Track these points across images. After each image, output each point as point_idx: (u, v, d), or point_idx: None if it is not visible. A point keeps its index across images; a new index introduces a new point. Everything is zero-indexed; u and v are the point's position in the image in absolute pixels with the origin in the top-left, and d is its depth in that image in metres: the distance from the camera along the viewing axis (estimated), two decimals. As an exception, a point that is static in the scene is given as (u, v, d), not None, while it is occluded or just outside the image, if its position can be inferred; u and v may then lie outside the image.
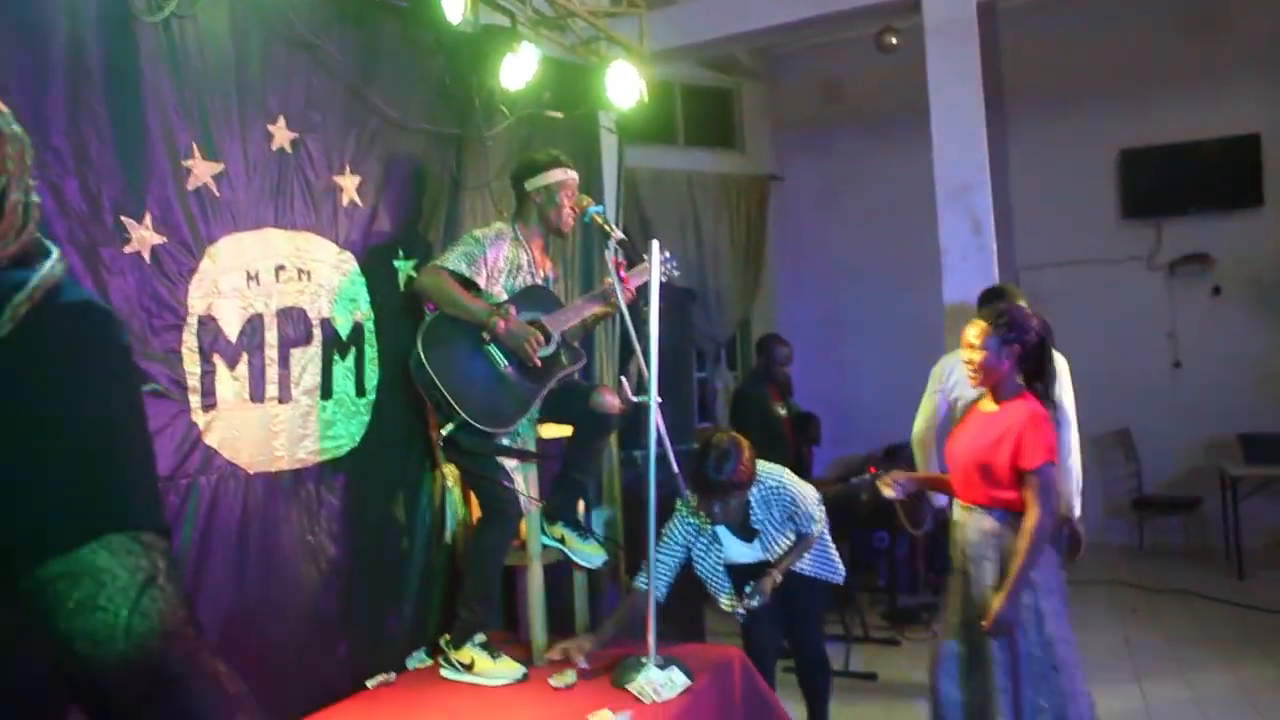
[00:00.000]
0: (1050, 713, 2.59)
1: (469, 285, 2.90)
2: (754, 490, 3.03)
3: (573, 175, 3.08)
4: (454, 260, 2.89)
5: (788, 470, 3.18)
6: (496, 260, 2.95)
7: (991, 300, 3.66)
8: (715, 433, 3.06)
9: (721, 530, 3.10)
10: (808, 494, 3.14)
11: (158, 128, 2.31)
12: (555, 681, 2.74)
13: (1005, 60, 7.31)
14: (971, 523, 2.76)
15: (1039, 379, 2.72)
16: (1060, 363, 3.61)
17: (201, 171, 2.43)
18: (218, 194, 2.47)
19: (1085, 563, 6.73)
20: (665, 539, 3.06)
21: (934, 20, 4.30)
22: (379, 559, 2.98)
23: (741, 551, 3.15)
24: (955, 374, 3.81)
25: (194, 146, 2.41)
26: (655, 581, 2.91)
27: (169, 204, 2.34)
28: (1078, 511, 3.61)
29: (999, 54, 7.21)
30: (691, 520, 3.07)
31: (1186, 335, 7.11)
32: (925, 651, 3.13)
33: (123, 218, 2.22)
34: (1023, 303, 3.57)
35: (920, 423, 3.97)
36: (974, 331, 2.71)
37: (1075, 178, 7.37)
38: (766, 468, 3.09)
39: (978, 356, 2.68)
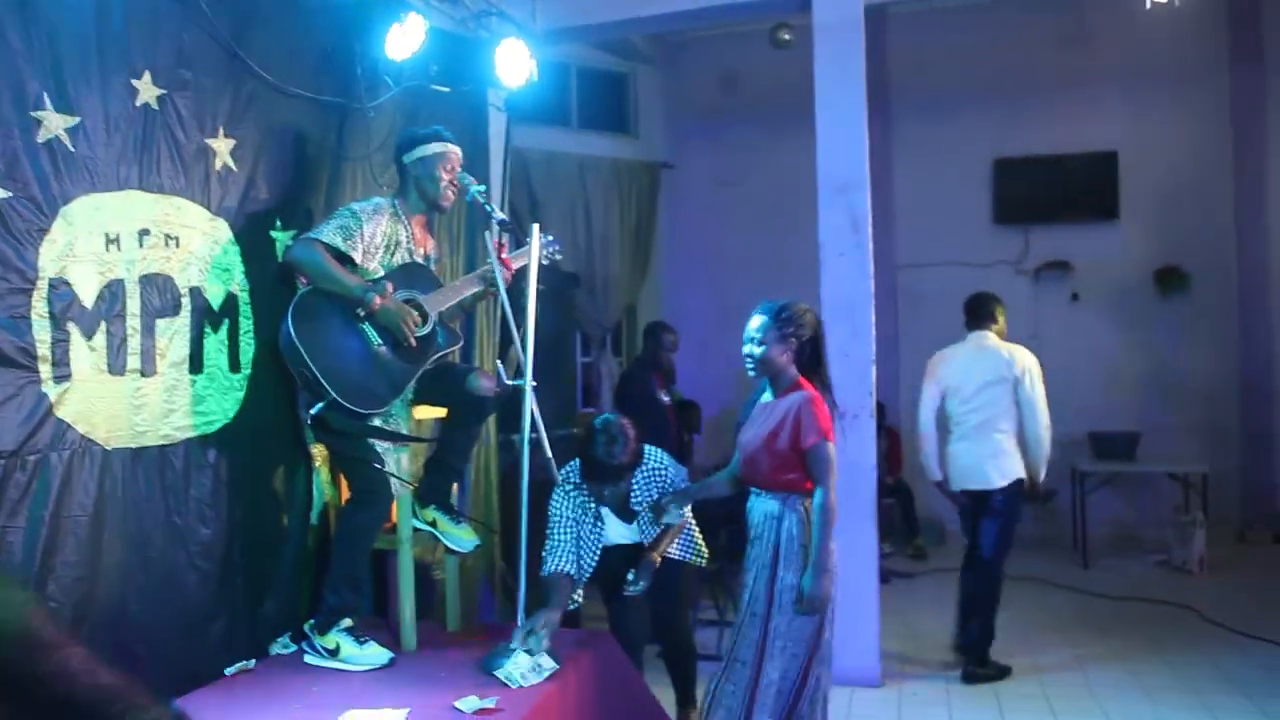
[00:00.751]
0: (775, 685, 2.69)
1: (344, 260, 2.81)
2: (637, 472, 3.12)
3: (453, 149, 3.01)
4: (329, 233, 2.80)
5: (666, 454, 3.26)
6: (374, 235, 2.87)
7: (975, 307, 4.69)
8: (600, 416, 3.13)
9: (605, 510, 3.18)
10: (684, 477, 3.25)
11: (4, 75, 2.15)
12: (462, 706, 2.44)
13: (892, 64, 7.56)
14: (757, 506, 2.86)
15: (814, 372, 2.85)
16: (1029, 357, 4.51)
17: (53, 124, 2.27)
18: (73, 149, 2.32)
19: (950, 552, 7.12)
20: (557, 517, 3.13)
21: (822, 19, 4.38)
22: (253, 541, 2.87)
23: (620, 532, 3.22)
24: (944, 367, 4.55)
25: (44, 96, 2.25)
26: (564, 560, 3.05)
27: (15, 157, 2.18)
28: (1043, 476, 4.48)
29: (886, 58, 7.44)
30: (579, 496, 3.14)
31: (1048, 338, 7.48)
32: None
33: (-39, 170, 2.06)
34: (1001, 314, 4.65)
35: (923, 414, 4.54)
36: (754, 326, 2.84)
37: (954, 182, 7.68)
38: (650, 450, 3.19)
39: (757, 350, 2.81)
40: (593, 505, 3.15)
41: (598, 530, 3.19)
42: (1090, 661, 4.54)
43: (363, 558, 2.90)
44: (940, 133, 7.68)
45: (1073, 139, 7.39)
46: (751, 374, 2.89)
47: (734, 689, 2.76)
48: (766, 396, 2.90)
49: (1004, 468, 4.37)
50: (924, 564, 6.81)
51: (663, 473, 3.17)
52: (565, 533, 3.12)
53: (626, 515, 3.20)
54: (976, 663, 4.32)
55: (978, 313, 4.64)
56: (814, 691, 2.73)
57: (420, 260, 3.04)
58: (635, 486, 3.15)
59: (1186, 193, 7.29)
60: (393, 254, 2.94)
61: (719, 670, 2.87)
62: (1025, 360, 4.47)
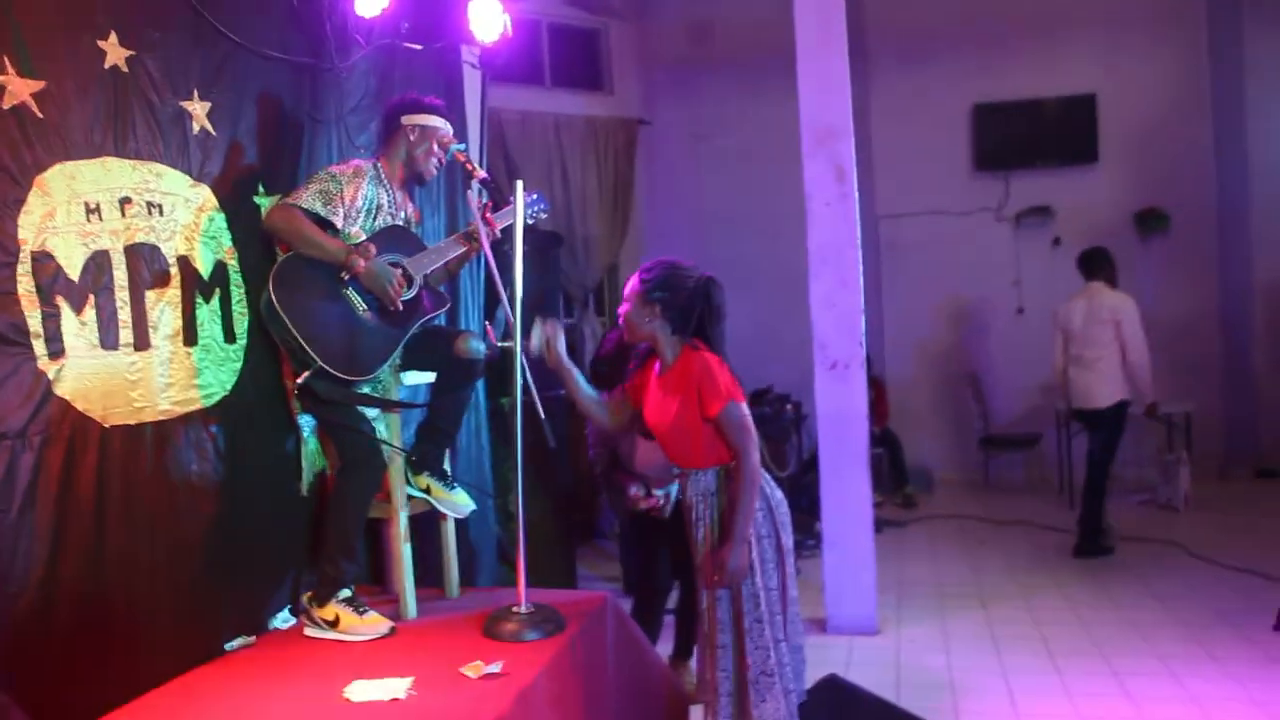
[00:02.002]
0: (755, 668, 2.49)
1: (325, 225, 2.74)
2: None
3: (449, 131, 2.98)
4: (309, 198, 2.71)
5: None
6: (355, 199, 2.79)
7: (1088, 261, 5.55)
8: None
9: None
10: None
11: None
12: (468, 671, 2.40)
13: (868, 9, 7.46)
14: (690, 486, 2.59)
15: (699, 335, 2.56)
16: (1128, 303, 5.35)
17: (18, 89, 2.17)
18: (41, 116, 2.22)
19: (939, 499, 7.20)
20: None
21: (802, -36, 4.29)
22: (254, 515, 2.81)
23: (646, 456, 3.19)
24: (1064, 314, 5.56)
25: (5, 60, 2.15)
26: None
27: (-20, 126, 2.09)
28: (1149, 397, 5.48)
29: (862, 3, 7.34)
30: None
31: (1030, 283, 7.53)
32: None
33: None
34: (1110, 266, 5.51)
35: (1055, 356, 5.69)
36: (627, 288, 2.61)
37: (933, 130, 7.64)
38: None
39: (624, 310, 2.59)
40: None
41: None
42: (1081, 601, 4.61)
43: (357, 527, 2.85)
44: (918, 79, 7.62)
45: (1051, 82, 7.36)
46: (626, 336, 2.64)
47: (724, 674, 2.56)
48: (661, 370, 2.60)
49: (1108, 391, 5.36)
50: (913, 512, 6.87)
51: None
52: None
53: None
54: (1084, 541, 5.39)
55: (1090, 266, 5.53)
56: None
57: (402, 223, 2.97)
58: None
59: (1165, 133, 7.29)
60: (375, 218, 2.87)
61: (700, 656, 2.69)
62: (1125, 305, 5.36)
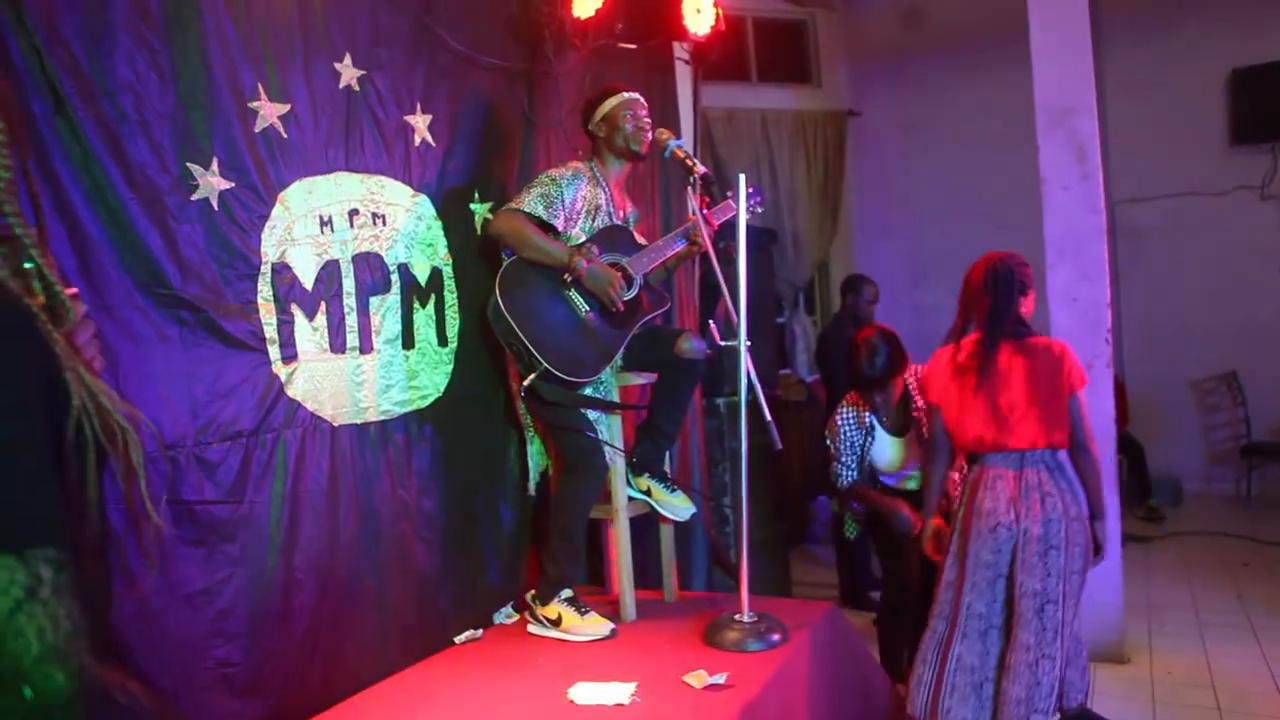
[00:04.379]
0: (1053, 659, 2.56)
1: (547, 229, 2.77)
2: (908, 378, 3.41)
3: (632, 94, 2.93)
4: (530, 202, 2.75)
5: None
6: (574, 201, 2.80)
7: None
8: (864, 331, 3.43)
9: (875, 422, 3.43)
10: None
11: (221, 68, 2.20)
12: (691, 680, 2.35)
13: (1102, -25, 6.82)
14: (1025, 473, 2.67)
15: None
16: None
17: (268, 112, 2.31)
18: (285, 136, 2.36)
19: (1189, 514, 6.48)
20: (843, 439, 3.44)
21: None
22: (470, 512, 2.90)
23: (886, 453, 3.43)
24: None
25: (259, 87, 2.29)
26: (854, 472, 3.42)
27: (236, 147, 2.23)
28: None
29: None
30: (851, 410, 3.46)
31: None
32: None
33: (188, 164, 2.12)
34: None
35: None
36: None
37: (1178, 101, 6.89)
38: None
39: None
40: (867, 418, 3.42)
41: (869, 442, 3.43)
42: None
43: (579, 527, 2.86)
44: (1160, 47, 6.89)
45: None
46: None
47: (983, 652, 2.61)
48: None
49: None
50: (1159, 527, 6.21)
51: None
52: (850, 452, 3.42)
53: (902, 425, 3.40)
54: None
55: None
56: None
57: (620, 223, 2.95)
58: (910, 390, 3.40)
59: None
60: (594, 219, 2.87)
61: (937, 636, 2.71)
62: None
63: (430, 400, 2.79)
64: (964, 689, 2.62)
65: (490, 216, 2.98)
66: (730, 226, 2.81)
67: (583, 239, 2.81)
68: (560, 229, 2.77)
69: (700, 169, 2.72)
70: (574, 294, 2.77)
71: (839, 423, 3.46)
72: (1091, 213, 3.93)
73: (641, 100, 2.95)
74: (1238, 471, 6.91)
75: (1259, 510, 6.50)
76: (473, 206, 2.99)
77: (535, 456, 3.06)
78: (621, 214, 2.97)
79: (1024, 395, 2.66)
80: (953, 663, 2.65)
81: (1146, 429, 6.80)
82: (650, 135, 2.90)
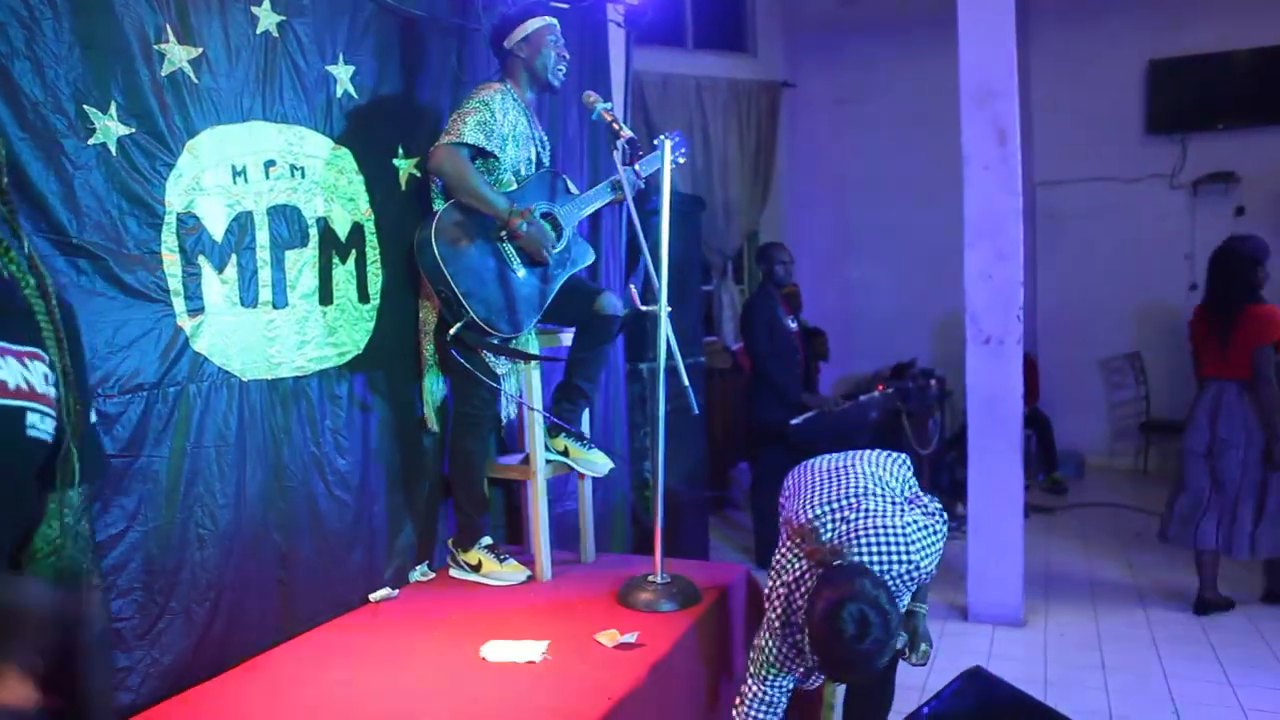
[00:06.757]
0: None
1: (486, 157, 2.73)
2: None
3: (552, 21, 2.86)
4: (471, 132, 2.66)
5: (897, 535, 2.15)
6: (502, 124, 2.74)
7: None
8: (838, 594, 1.94)
9: None
10: (924, 544, 2.19)
11: (123, 6, 2.09)
12: (603, 639, 2.37)
13: (1031, -39, 6.96)
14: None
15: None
16: None
17: (177, 56, 2.23)
18: (196, 81, 2.27)
19: (1090, 486, 6.77)
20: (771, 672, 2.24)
21: (964, -90, 4.00)
22: (388, 469, 2.89)
23: None
24: None
25: (167, 29, 2.20)
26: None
27: (139, 92, 2.13)
28: None
29: (1026, -46, 6.86)
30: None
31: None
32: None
33: (85, 106, 2.03)
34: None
35: None
36: None
37: (1098, 89, 7.10)
38: (887, 550, 2.12)
39: None
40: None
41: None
42: (1259, 612, 4.23)
43: (477, 478, 2.93)
44: (1084, 35, 7.08)
45: (1240, 34, 6.68)
46: None
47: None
48: None
49: None
50: (1062, 498, 6.48)
51: (907, 576, 2.17)
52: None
53: None
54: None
55: None
56: None
57: (539, 146, 2.92)
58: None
59: (1374, 90, 6.52)
60: (522, 147, 2.83)
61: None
62: None
63: (349, 357, 2.75)
64: None
65: (416, 172, 2.94)
66: (656, 190, 2.81)
67: (512, 175, 2.80)
68: (499, 156, 2.74)
69: (626, 133, 2.71)
70: (507, 246, 2.76)
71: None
72: (1009, 194, 4.04)
73: (558, 27, 2.88)
74: (1137, 446, 7.24)
75: (1155, 484, 6.82)
76: (397, 162, 2.93)
77: (431, 390, 3.01)
78: (537, 135, 2.94)
79: None
80: None
81: (1055, 404, 7.07)
82: (565, 68, 2.87)
